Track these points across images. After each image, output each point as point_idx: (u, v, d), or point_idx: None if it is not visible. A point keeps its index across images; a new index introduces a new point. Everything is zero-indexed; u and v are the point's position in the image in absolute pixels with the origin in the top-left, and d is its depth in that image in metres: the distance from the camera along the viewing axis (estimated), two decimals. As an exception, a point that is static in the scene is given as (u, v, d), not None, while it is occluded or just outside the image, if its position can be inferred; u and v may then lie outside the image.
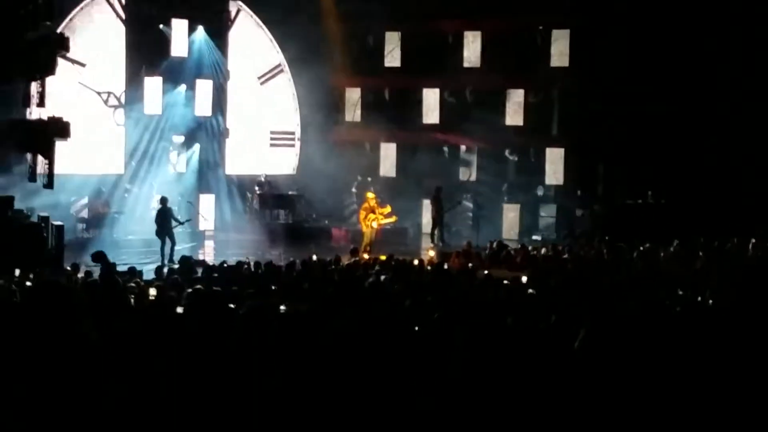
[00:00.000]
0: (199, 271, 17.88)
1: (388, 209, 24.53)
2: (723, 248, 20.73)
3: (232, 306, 11.13)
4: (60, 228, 21.29)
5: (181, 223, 23.38)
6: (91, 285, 13.42)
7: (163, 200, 23.31)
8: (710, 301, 12.51)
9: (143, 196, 26.95)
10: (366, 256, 21.60)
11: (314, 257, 19.21)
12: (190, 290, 12.67)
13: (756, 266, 17.96)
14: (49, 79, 22.63)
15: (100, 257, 16.75)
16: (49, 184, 22.04)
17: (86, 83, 27.18)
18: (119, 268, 17.17)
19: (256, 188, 29.54)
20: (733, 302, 12.13)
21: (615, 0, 26.93)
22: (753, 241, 21.13)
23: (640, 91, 26.76)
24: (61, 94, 24.89)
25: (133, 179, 27.27)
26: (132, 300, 12.41)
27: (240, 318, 9.93)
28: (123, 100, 27.85)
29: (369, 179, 29.87)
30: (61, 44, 22.67)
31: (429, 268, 17.75)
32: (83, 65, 26.79)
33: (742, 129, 25.88)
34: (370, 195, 24.85)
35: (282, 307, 11.21)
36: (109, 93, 27.66)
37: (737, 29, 25.94)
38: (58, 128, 22.05)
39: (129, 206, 26.54)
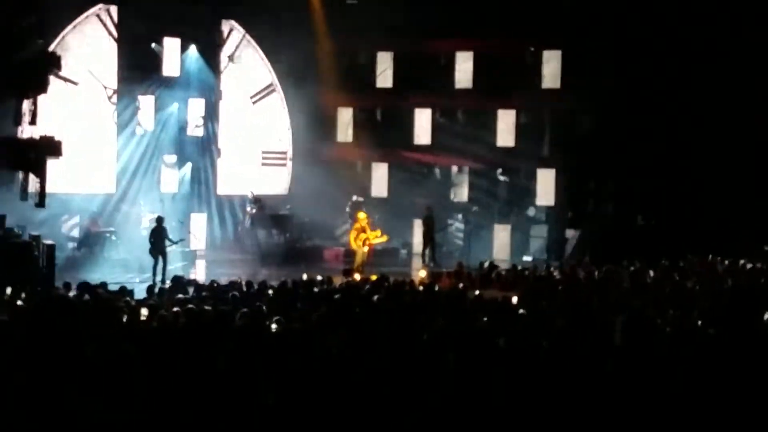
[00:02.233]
0: (191, 290, 17.86)
1: (378, 233, 24.66)
2: (713, 268, 20.79)
3: (224, 325, 11.12)
4: (51, 247, 21.19)
5: (174, 243, 23.31)
6: (84, 304, 13.46)
7: (159, 219, 23.24)
8: (699, 322, 12.52)
9: (134, 214, 26.91)
10: (357, 276, 21.55)
11: (305, 276, 19.19)
12: (181, 310, 12.71)
13: (744, 286, 17.98)
14: (41, 97, 22.68)
15: (85, 288, 16.49)
16: (41, 203, 22.02)
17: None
18: (110, 287, 17.16)
19: (248, 207, 29.50)
20: (722, 322, 12.13)
21: (606, 21, 26.94)
22: (742, 261, 21.21)
23: (631, 112, 26.87)
24: (55, 111, 24.86)
25: (124, 198, 27.20)
26: (124, 319, 12.42)
27: (232, 337, 9.92)
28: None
29: (361, 199, 29.85)
30: (53, 63, 22.68)
31: (420, 288, 17.70)
32: (76, 83, 26.74)
33: (733, 149, 25.98)
34: (362, 215, 24.92)
35: (273, 326, 11.27)
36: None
37: (728, 51, 26.00)
38: (50, 147, 22.01)
39: (120, 225, 26.46)
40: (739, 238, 23.43)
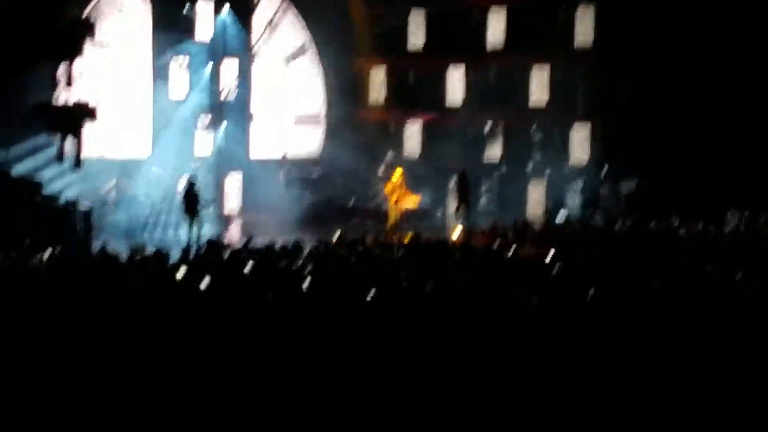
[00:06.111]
0: (226, 253, 17.95)
1: (411, 197, 24.74)
2: (752, 223, 20.59)
3: (260, 288, 11.17)
4: (88, 212, 21.41)
5: (207, 206, 23.26)
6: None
7: (192, 181, 23.25)
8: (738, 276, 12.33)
9: (168, 178, 27.01)
10: (392, 235, 21.59)
11: (338, 235, 19.23)
12: (216, 272, 12.76)
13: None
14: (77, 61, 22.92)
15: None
16: (77, 164, 22.34)
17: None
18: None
19: (281, 168, 29.63)
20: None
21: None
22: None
23: (666, 67, 26.54)
24: (90, 76, 24.99)
25: (158, 161, 27.34)
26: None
27: (270, 300, 10.12)
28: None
29: (396, 158, 29.82)
30: (88, 29, 22.91)
31: (455, 247, 17.72)
32: (109, 48, 26.81)
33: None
34: (398, 171, 25.01)
35: (305, 285, 11.32)
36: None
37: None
38: (86, 111, 22.32)
39: (155, 188, 26.60)
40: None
